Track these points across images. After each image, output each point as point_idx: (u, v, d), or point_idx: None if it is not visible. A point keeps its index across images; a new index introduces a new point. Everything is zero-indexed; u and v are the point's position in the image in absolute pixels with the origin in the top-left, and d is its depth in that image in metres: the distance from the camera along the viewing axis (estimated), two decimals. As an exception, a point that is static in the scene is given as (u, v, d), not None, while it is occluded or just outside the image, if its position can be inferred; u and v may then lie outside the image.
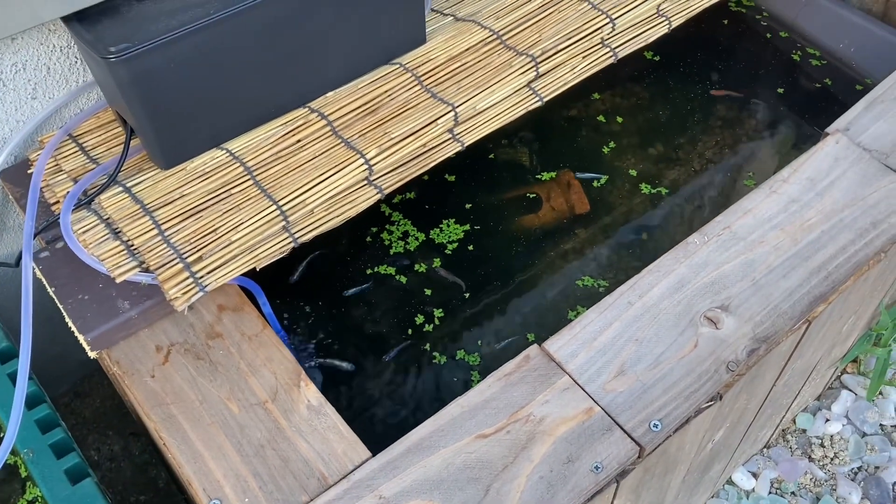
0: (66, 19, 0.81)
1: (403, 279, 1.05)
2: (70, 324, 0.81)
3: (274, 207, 0.84)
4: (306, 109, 0.93)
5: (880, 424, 1.32)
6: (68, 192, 0.86)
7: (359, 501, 0.71)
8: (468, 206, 1.14)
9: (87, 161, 0.91)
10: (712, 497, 1.26)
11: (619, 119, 1.26)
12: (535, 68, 0.98)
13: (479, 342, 1.00)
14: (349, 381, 0.97)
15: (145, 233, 0.82)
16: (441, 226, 1.11)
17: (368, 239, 1.10)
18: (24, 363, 0.80)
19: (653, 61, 1.34)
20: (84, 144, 0.93)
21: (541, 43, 0.99)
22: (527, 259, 1.10)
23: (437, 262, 1.07)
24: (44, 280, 0.84)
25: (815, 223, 0.91)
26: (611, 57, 1.04)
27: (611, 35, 1.04)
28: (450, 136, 0.94)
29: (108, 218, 0.84)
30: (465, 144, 0.95)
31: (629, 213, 1.16)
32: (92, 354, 0.81)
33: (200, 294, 0.80)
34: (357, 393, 0.97)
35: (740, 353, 0.80)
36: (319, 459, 0.75)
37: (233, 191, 0.86)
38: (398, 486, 0.72)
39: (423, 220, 1.12)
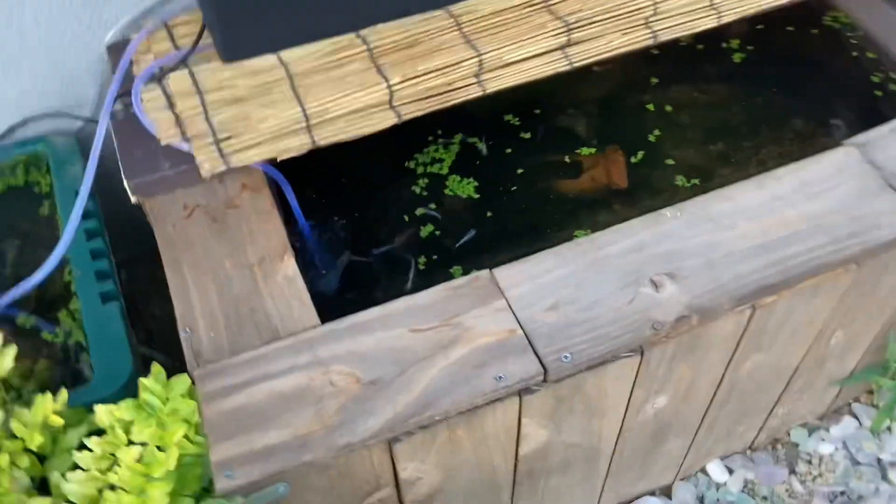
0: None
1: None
2: (121, 170, 0.99)
3: (300, 109, 0.98)
4: (355, 34, 1.06)
5: (877, 457, 1.31)
6: (148, 66, 1.04)
7: (297, 354, 0.85)
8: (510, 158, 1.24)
9: (172, 47, 1.09)
10: (682, 479, 1.31)
11: (686, 116, 1.31)
12: (567, 34, 1.06)
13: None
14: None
15: (192, 108, 0.98)
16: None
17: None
18: (87, 182, 0.98)
19: (732, 61, 1.37)
20: (174, 33, 1.10)
21: (580, 12, 1.07)
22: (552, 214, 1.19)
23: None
24: (112, 132, 1.03)
25: (791, 222, 0.94)
26: (650, 38, 1.10)
27: (654, 17, 1.10)
28: (475, 80, 1.04)
29: (170, 93, 1.01)
30: (488, 91, 1.05)
31: (663, 195, 1.21)
32: (133, 199, 0.99)
33: (224, 168, 0.96)
34: (350, 289, 1.10)
35: (670, 316, 0.87)
36: (278, 318, 0.89)
37: (272, 90, 1.00)
38: (331, 351, 0.85)
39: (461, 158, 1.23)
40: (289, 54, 1.04)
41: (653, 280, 0.90)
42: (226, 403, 0.82)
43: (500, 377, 0.83)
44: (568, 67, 1.07)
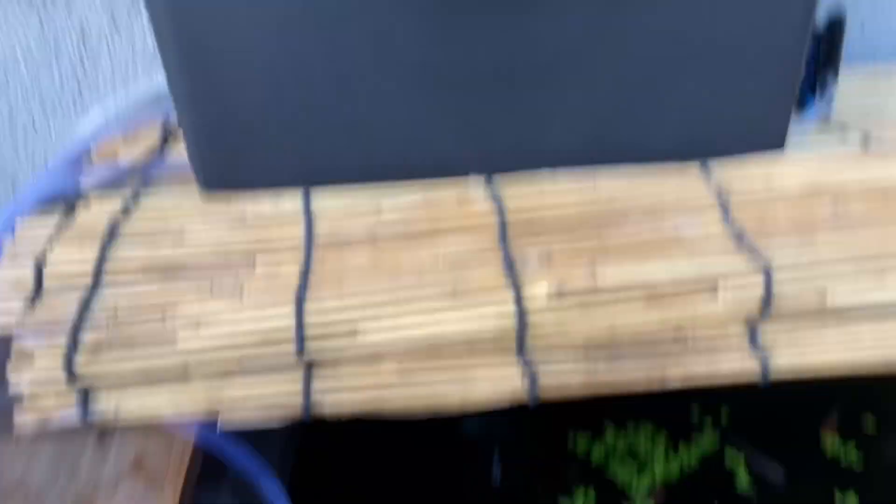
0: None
1: None
2: None
3: (292, 311, 0.40)
4: (485, 180, 0.48)
5: None
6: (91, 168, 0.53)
7: None
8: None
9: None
10: None
11: None
12: None
13: None
14: None
15: (75, 265, 0.44)
16: None
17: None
18: None
19: None
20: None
21: None
22: None
23: None
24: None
25: None
26: None
27: None
28: (746, 328, 0.41)
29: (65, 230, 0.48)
30: (770, 368, 0.41)
31: None
32: None
33: (74, 419, 0.39)
34: None
35: None
36: None
37: (258, 258, 0.44)
38: None
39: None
40: (325, 202, 0.48)
41: None
42: None
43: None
44: None
